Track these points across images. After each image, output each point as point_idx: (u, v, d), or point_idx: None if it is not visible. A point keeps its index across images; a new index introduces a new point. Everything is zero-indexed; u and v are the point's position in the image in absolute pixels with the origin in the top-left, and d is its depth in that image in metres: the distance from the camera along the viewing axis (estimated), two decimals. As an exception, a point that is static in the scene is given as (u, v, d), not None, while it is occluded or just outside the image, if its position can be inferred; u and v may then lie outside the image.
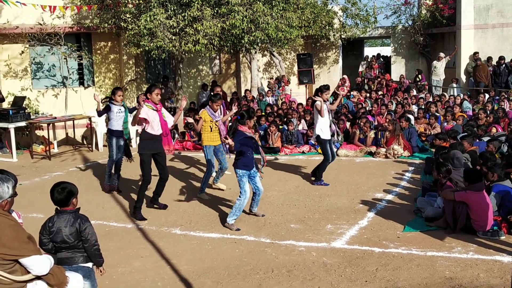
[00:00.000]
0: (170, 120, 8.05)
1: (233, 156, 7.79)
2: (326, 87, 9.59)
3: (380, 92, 17.38)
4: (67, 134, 14.51)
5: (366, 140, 12.22)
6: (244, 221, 7.53)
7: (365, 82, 19.33)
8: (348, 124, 13.50)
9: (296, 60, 17.37)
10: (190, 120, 10.00)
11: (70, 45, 14.08)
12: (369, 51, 29.23)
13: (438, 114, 13.51)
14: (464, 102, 14.81)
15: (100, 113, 9.36)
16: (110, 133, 9.32)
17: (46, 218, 4.50)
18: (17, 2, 12.18)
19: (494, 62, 17.15)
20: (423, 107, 14.36)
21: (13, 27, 13.41)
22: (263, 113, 14.68)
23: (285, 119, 13.83)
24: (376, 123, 13.27)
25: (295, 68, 18.54)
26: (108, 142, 9.50)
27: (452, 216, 6.79)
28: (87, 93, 14.90)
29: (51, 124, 13.15)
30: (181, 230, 7.34)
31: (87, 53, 14.69)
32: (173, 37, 12.35)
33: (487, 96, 15.28)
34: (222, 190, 9.30)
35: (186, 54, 14.54)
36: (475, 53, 17.43)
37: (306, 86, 17.52)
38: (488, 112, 12.56)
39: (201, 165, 11.32)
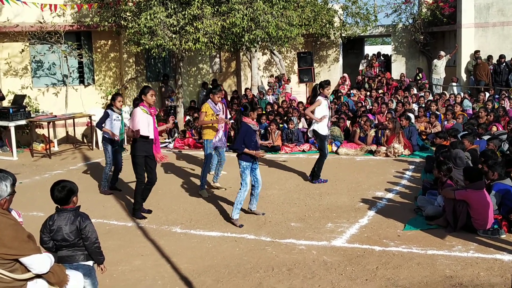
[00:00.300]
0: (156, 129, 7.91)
1: (233, 155, 7.77)
2: (327, 83, 9.58)
3: (380, 91, 17.40)
4: (67, 132, 14.51)
5: (366, 139, 12.22)
6: (245, 220, 7.53)
7: (366, 80, 19.33)
8: (348, 122, 13.50)
9: (297, 59, 17.37)
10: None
11: (71, 43, 14.06)
12: (370, 50, 29.17)
13: (438, 113, 13.53)
14: (464, 100, 14.82)
15: (99, 125, 9.09)
16: (106, 140, 9.17)
17: (47, 216, 4.51)
18: (17, 0, 12.17)
19: (494, 61, 17.12)
20: (423, 105, 14.37)
21: (13, 26, 13.38)
22: (264, 112, 14.68)
23: (285, 118, 13.82)
24: (376, 122, 13.28)
25: (296, 67, 18.55)
26: (104, 149, 9.30)
27: (452, 214, 6.79)
28: (87, 91, 14.90)
29: (51, 123, 13.14)
30: (181, 228, 7.34)
31: (87, 52, 14.67)
32: (173, 36, 12.35)
33: (487, 94, 15.28)
34: (224, 189, 9.30)
35: (186, 53, 14.53)
36: (476, 52, 17.41)
37: (306, 84, 17.52)
38: (489, 110, 12.56)
39: (202, 164, 11.30)
